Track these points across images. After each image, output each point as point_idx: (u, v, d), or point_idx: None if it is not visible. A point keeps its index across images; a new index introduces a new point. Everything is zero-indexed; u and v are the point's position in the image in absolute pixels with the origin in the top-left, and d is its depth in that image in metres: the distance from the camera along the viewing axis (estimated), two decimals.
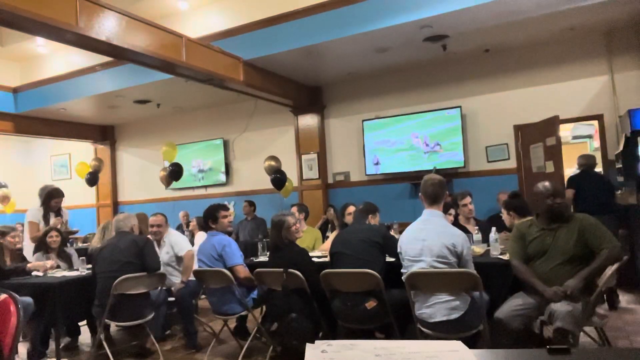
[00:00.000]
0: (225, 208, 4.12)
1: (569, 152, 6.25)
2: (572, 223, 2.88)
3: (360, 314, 3.15)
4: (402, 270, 3.02)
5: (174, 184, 8.06)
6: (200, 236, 5.56)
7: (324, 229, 5.92)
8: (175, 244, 4.44)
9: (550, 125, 5.65)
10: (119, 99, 7.44)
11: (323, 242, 4.93)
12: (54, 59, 8.73)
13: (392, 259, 3.31)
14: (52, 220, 5.16)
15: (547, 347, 1.00)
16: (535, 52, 6.12)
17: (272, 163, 7.19)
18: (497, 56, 6.30)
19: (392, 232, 4.35)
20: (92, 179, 8.90)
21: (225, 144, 8.35)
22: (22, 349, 4.07)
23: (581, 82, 5.92)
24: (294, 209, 4.96)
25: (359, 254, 3.24)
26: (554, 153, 5.56)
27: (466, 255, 2.87)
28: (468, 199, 4.36)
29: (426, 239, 2.88)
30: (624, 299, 4.66)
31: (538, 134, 5.87)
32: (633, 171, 4.93)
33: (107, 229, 5.14)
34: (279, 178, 7.05)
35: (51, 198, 5.23)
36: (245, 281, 3.70)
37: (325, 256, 3.79)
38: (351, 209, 4.57)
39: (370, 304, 3.10)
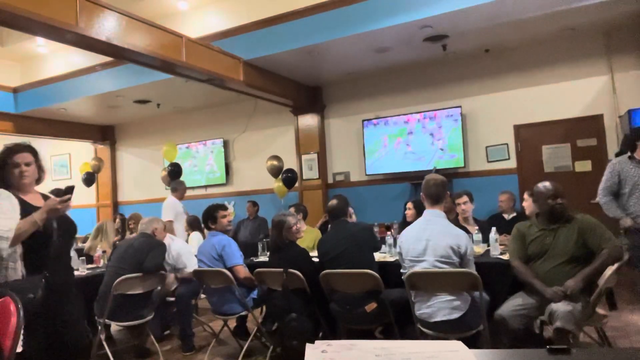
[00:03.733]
0: (224, 208, 4.12)
1: None
2: (572, 223, 2.88)
3: (360, 316, 3.15)
4: (402, 271, 3.02)
5: None
6: (194, 237, 5.54)
7: (324, 230, 5.91)
8: (178, 258, 4.27)
9: (590, 123, 5.84)
10: (119, 99, 7.44)
11: None
12: (54, 59, 8.73)
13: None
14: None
15: (547, 347, 1.00)
16: (535, 52, 6.12)
17: (275, 162, 7.21)
18: (497, 56, 6.30)
19: (392, 232, 4.34)
20: (89, 179, 8.92)
21: (225, 144, 8.35)
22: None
23: (581, 82, 5.92)
24: (292, 210, 4.95)
25: (352, 262, 3.20)
26: (594, 152, 5.80)
27: (469, 255, 2.87)
28: (463, 198, 4.35)
29: (430, 239, 2.88)
30: (623, 299, 4.66)
31: (558, 134, 6.02)
32: None
33: (102, 230, 5.13)
34: (290, 177, 7.07)
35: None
36: (245, 281, 3.70)
37: None
38: None
39: (370, 307, 3.10)
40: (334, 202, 3.60)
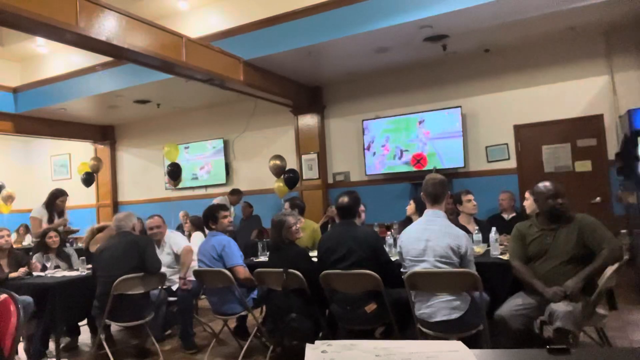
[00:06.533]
0: (225, 208, 4.12)
1: None
2: (572, 223, 2.88)
3: (360, 317, 3.15)
4: (402, 270, 3.02)
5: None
6: (196, 237, 5.55)
7: (324, 230, 5.89)
8: (174, 244, 4.44)
9: (590, 123, 5.84)
10: (119, 99, 7.44)
11: None
12: (54, 59, 8.73)
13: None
14: (57, 220, 5.26)
15: (547, 347, 1.00)
16: (535, 52, 6.11)
17: (278, 162, 7.19)
18: (497, 56, 6.30)
19: (392, 232, 4.34)
20: (89, 179, 8.91)
21: (225, 144, 8.35)
22: (22, 349, 4.07)
23: (581, 82, 5.92)
24: (286, 205, 4.85)
25: (352, 266, 3.17)
26: (594, 153, 5.81)
27: (469, 256, 2.86)
28: (471, 195, 4.36)
29: (430, 239, 2.87)
30: (623, 299, 4.66)
31: (558, 134, 6.04)
32: (633, 171, 4.93)
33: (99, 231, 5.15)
34: (291, 177, 7.07)
35: (56, 198, 5.37)
36: (245, 282, 3.70)
37: None
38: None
39: (370, 307, 3.09)
40: (344, 199, 3.37)
